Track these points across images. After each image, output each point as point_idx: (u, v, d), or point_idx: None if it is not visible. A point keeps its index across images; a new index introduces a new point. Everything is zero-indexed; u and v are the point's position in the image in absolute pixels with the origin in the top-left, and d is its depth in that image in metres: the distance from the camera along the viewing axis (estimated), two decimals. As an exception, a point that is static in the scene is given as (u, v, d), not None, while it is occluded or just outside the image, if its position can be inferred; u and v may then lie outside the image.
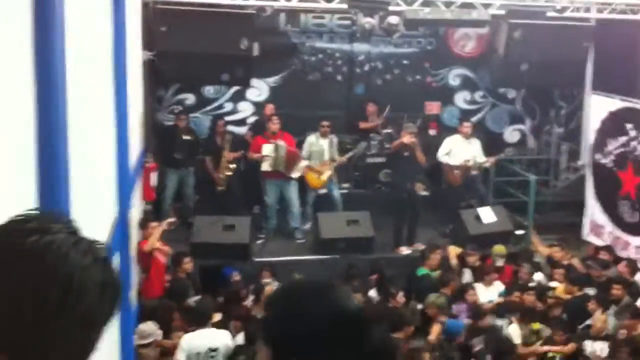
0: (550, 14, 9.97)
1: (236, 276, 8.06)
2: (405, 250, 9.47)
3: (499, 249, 8.93)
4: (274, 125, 9.52)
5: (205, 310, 6.46)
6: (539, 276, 8.55)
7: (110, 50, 5.61)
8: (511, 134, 12.42)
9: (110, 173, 5.56)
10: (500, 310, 7.63)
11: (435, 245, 8.83)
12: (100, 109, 5.06)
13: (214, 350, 6.12)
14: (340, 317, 1.31)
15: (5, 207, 2.36)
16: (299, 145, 9.79)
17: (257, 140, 9.64)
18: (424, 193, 10.24)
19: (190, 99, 11.11)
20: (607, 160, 9.91)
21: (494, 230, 9.51)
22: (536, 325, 7.36)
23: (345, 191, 10.50)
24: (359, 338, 1.30)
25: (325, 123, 9.85)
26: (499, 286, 8.31)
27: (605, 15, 9.99)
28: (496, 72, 11.28)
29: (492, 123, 12.29)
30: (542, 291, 8.00)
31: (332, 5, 9.26)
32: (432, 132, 11.60)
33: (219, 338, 6.22)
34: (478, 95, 12.17)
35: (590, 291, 7.83)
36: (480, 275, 8.35)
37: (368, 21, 10.64)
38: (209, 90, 11.15)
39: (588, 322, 7.26)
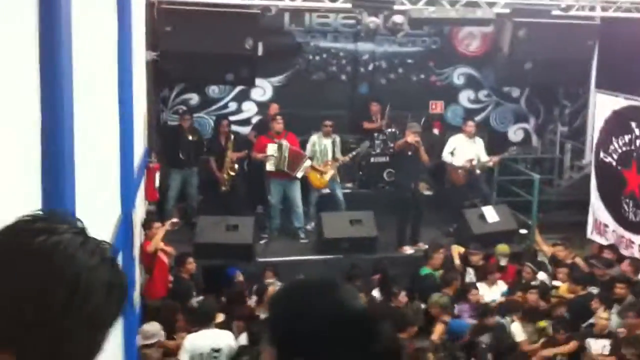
0: (555, 12, 9.96)
1: (239, 276, 8.07)
2: (408, 250, 9.47)
3: (503, 248, 8.93)
4: (278, 125, 9.53)
5: (208, 311, 6.47)
6: (542, 275, 8.54)
7: (115, 51, 5.62)
8: (515, 133, 12.41)
9: (114, 173, 5.58)
10: (502, 309, 7.62)
11: (438, 244, 8.83)
12: (104, 108, 5.08)
13: (217, 350, 6.14)
14: (346, 316, 1.30)
15: (11, 206, 2.37)
16: (303, 145, 9.79)
17: (261, 140, 9.65)
18: (428, 192, 10.24)
19: (194, 99, 11.13)
20: (611, 159, 9.89)
21: (497, 230, 9.49)
22: (542, 324, 7.36)
23: (348, 191, 10.51)
24: (366, 337, 1.29)
25: (327, 122, 9.85)
26: (502, 286, 8.31)
27: (610, 13, 9.96)
28: (501, 70, 11.27)
29: (496, 122, 12.28)
30: (545, 290, 7.99)
31: (337, 4, 9.26)
32: (435, 131, 11.59)
33: (222, 338, 6.24)
34: (482, 94, 12.16)
35: (594, 290, 7.82)
36: (484, 274, 8.35)
37: (372, 20, 10.63)
38: (213, 90, 11.17)
39: (591, 320, 7.25)
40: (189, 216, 9.67)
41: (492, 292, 8.13)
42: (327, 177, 9.78)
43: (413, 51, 11.77)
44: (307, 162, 9.57)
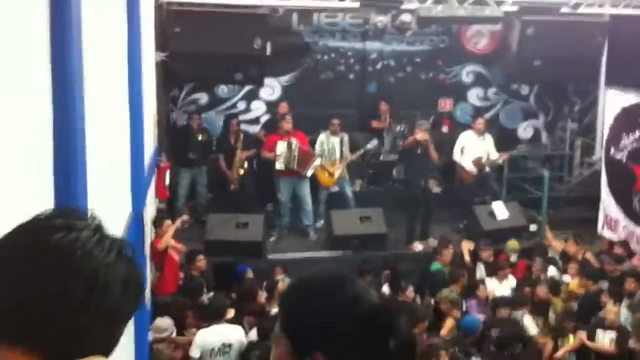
0: (563, 9, 9.93)
1: (250, 273, 8.12)
2: (418, 247, 9.49)
3: (513, 244, 8.94)
4: (287, 123, 9.57)
5: (219, 307, 6.53)
6: (552, 271, 8.54)
7: (125, 51, 5.69)
8: (525, 130, 12.38)
9: (125, 172, 5.64)
10: (511, 302, 7.63)
11: (448, 240, 8.85)
12: (115, 108, 5.14)
13: (228, 345, 6.20)
14: (363, 311, 1.29)
15: (24, 205, 2.43)
16: (311, 144, 9.83)
17: (271, 138, 9.70)
18: (437, 190, 10.24)
19: (203, 98, 11.20)
20: (621, 155, 9.85)
21: (507, 226, 9.51)
22: (557, 303, 7.41)
23: (358, 189, 10.54)
24: (384, 332, 1.28)
25: (335, 121, 9.88)
26: (512, 281, 8.32)
27: (619, 10, 9.92)
28: (509, 68, 11.26)
29: (505, 119, 12.26)
30: (554, 286, 8.00)
31: (345, 4, 9.29)
32: (445, 129, 11.59)
33: (232, 334, 6.30)
34: (491, 92, 12.14)
35: (604, 285, 7.82)
36: (494, 270, 8.36)
37: (380, 19, 10.69)
38: (222, 89, 11.23)
39: (601, 314, 7.26)
40: (199, 214, 9.75)
41: (502, 288, 8.14)
42: (336, 175, 9.81)
43: (421, 50, 11.77)
44: (317, 161, 9.61)
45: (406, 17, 10.29)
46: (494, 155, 10.15)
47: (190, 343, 6.30)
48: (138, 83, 6.10)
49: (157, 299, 7.28)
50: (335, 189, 9.99)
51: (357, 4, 9.19)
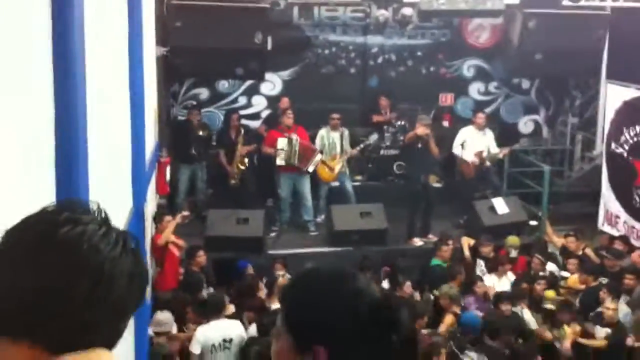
0: (565, 2, 9.91)
1: (250, 269, 8.13)
2: (418, 242, 9.49)
3: (513, 240, 8.93)
4: (288, 119, 9.56)
5: (218, 303, 6.54)
6: (551, 267, 8.54)
7: (126, 46, 5.68)
8: (525, 125, 12.36)
9: (126, 167, 5.64)
10: (509, 297, 7.63)
11: (447, 236, 8.84)
12: (116, 103, 5.14)
13: (229, 341, 6.21)
14: (365, 305, 1.29)
15: (26, 199, 2.43)
16: (311, 139, 9.82)
17: (272, 134, 9.69)
18: (438, 185, 10.25)
19: (204, 93, 11.19)
20: (622, 150, 9.84)
21: (508, 221, 9.50)
22: (550, 294, 7.42)
23: (358, 183, 10.53)
24: (387, 326, 1.28)
25: (335, 116, 9.88)
26: (511, 277, 8.32)
27: (620, 3, 9.90)
28: (511, 62, 11.23)
29: (506, 114, 12.24)
30: (554, 281, 8.01)
31: (345, -3, 9.26)
32: (445, 123, 11.58)
33: (232, 329, 6.31)
34: (492, 86, 12.13)
35: (604, 281, 7.82)
36: (494, 266, 8.36)
37: (382, 13, 10.66)
38: (223, 84, 11.22)
39: (599, 309, 7.27)
40: (199, 210, 9.75)
41: (502, 284, 8.14)
42: (336, 170, 9.81)
43: (422, 43, 11.74)
44: (318, 157, 9.60)
45: (407, 11, 10.27)
46: (495, 150, 10.14)
47: (189, 338, 6.32)
48: (139, 78, 6.09)
49: (157, 295, 7.29)
50: (336, 183, 9.98)
51: (358, -2, 9.17)
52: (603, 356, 6.94)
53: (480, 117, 10.19)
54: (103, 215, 1.15)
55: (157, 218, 7.83)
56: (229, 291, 7.44)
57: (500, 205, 9.65)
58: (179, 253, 7.84)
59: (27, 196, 2.50)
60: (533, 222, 9.97)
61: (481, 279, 8.06)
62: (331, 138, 9.86)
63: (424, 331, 6.86)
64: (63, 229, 1.07)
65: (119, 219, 4.78)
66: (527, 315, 7.40)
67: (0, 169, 2.32)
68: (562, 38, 10.15)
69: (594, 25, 10.62)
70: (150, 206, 7.68)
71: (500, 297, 7.42)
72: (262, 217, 9.11)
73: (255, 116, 11.28)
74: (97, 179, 3.52)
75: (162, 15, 9.31)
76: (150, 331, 6.31)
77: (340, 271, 1.38)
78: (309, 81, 11.30)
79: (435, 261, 8.51)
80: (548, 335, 7.21)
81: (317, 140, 9.84)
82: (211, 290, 7.48)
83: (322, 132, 9.91)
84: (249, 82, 11.13)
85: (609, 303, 6.97)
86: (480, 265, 8.59)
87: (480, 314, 7.40)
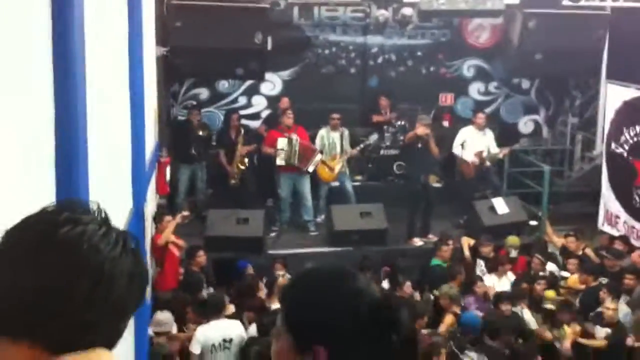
0: (565, 2, 9.91)
1: (250, 269, 8.12)
2: (418, 242, 9.49)
3: (513, 240, 8.93)
4: (288, 119, 9.56)
5: (217, 303, 6.54)
6: (551, 267, 8.54)
7: (126, 46, 5.68)
8: (525, 125, 12.36)
9: (126, 167, 5.64)
10: (509, 297, 7.64)
11: (447, 236, 8.84)
12: (116, 103, 5.14)
13: (229, 341, 6.21)
14: (365, 305, 1.29)
15: (26, 199, 2.43)
16: (311, 139, 9.82)
17: (272, 134, 9.69)
18: (438, 185, 10.25)
19: (204, 93, 11.19)
20: (622, 150, 9.84)
21: (508, 221, 9.50)
22: (550, 294, 7.44)
23: (358, 183, 10.53)
24: (387, 326, 1.29)
25: (335, 115, 9.88)
26: (511, 277, 8.31)
27: (620, 3, 9.90)
28: (511, 62, 11.23)
29: (506, 114, 12.25)
30: (553, 281, 8.01)
31: (345, -3, 9.26)
32: (445, 123, 11.58)
33: (232, 329, 6.31)
34: (492, 86, 12.13)
35: (604, 281, 7.82)
36: (494, 266, 8.36)
37: (382, 13, 10.66)
38: (223, 84, 11.22)
39: (599, 309, 7.27)
40: (199, 210, 9.75)
41: (502, 284, 8.14)
42: (336, 170, 9.81)
43: (422, 43, 11.75)
44: (319, 157, 9.60)
45: (407, 11, 10.27)
46: (495, 150, 10.14)
47: (189, 338, 6.32)
48: (139, 78, 6.09)
49: (157, 295, 7.29)
50: (336, 184, 9.98)
51: (358, -2, 9.17)
52: (603, 356, 6.94)
53: (480, 117, 10.19)
54: (103, 215, 1.15)
55: (157, 218, 7.83)
56: (229, 291, 7.44)
57: (500, 205, 9.65)
58: (179, 253, 7.84)
59: (27, 196, 2.50)
60: (533, 222, 9.97)
61: (481, 279, 8.06)
62: (331, 138, 9.86)
63: (424, 331, 6.87)
64: (63, 229, 1.07)
65: (119, 219, 4.78)
66: (527, 315, 7.40)
67: (0, 169, 2.32)
68: (562, 38, 10.14)
69: (594, 25, 10.62)
70: (150, 206, 7.68)
71: (500, 297, 7.43)
72: (262, 217, 9.11)
73: (255, 116, 11.28)
74: (97, 179, 3.53)
75: (162, 15, 9.31)
76: (150, 331, 6.31)
77: (341, 271, 1.38)
78: (309, 81, 11.30)
79: (435, 261, 8.51)
80: (548, 335, 7.22)
81: (317, 140, 9.84)
82: (211, 290, 7.47)
83: (322, 132, 9.91)
84: (249, 82, 11.13)
85: (609, 303, 6.97)
86: (480, 265, 8.59)
87: (480, 314, 7.40)
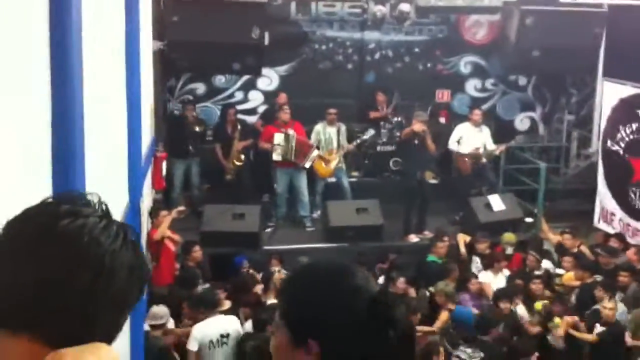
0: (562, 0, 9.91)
1: (246, 265, 8.12)
2: (414, 238, 9.51)
3: (509, 237, 8.95)
4: (285, 114, 9.55)
5: (211, 299, 6.55)
6: (546, 264, 8.57)
7: (123, 41, 5.66)
8: (522, 122, 12.38)
9: (122, 162, 5.64)
10: (503, 293, 7.67)
11: (443, 232, 8.86)
12: (113, 98, 5.13)
13: (226, 336, 6.22)
14: (363, 301, 1.30)
15: (22, 193, 2.42)
16: (308, 134, 9.81)
17: (268, 129, 9.68)
18: (434, 181, 10.25)
19: (200, 88, 11.16)
20: (618, 147, 9.87)
21: (503, 218, 9.52)
22: (538, 305, 7.47)
23: (354, 179, 10.53)
24: (384, 322, 1.29)
25: (332, 110, 9.86)
26: (507, 274, 8.33)
27: (617, 1, 9.91)
28: (508, 59, 11.23)
29: (502, 110, 12.26)
30: (549, 279, 8.04)
31: (343, -7, 9.24)
32: (442, 120, 11.58)
33: (229, 324, 6.33)
34: (489, 82, 12.13)
35: (599, 278, 7.85)
36: (490, 262, 8.38)
37: (379, 9, 10.64)
38: (219, 79, 11.20)
39: (595, 307, 7.30)
40: (195, 205, 9.73)
41: (497, 280, 8.16)
42: (333, 166, 9.80)
43: (420, 40, 11.74)
44: (315, 152, 9.59)
45: (405, 7, 10.25)
46: (491, 147, 10.15)
47: (185, 334, 6.32)
48: (136, 73, 6.07)
49: (153, 290, 7.28)
50: (332, 179, 9.98)
51: (355, -6, 9.15)
52: (601, 353, 6.96)
53: (477, 114, 10.20)
54: (103, 208, 1.15)
55: (153, 213, 7.82)
56: (226, 286, 7.44)
57: (496, 202, 9.67)
58: (175, 248, 7.84)
59: (24, 190, 2.50)
60: (529, 219, 9.99)
61: (475, 276, 8.08)
62: (327, 133, 9.85)
63: (418, 327, 6.89)
64: (63, 221, 1.07)
65: (115, 214, 4.76)
66: (521, 310, 7.42)
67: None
68: (559, 35, 10.14)
69: (592, 23, 10.62)
70: (147, 201, 7.67)
71: (499, 296, 7.45)
72: (258, 212, 9.11)
73: (251, 111, 11.26)
74: (94, 173, 3.52)
75: (159, 10, 9.28)
76: (146, 326, 6.30)
77: (339, 267, 1.38)
78: (306, 77, 11.29)
79: (431, 257, 8.53)
80: (536, 329, 7.24)
81: (313, 136, 9.82)
82: (207, 285, 7.47)
83: (318, 127, 9.89)
84: (245, 77, 11.11)
85: (606, 303, 6.96)
86: (476, 262, 8.61)
87: (476, 310, 7.44)
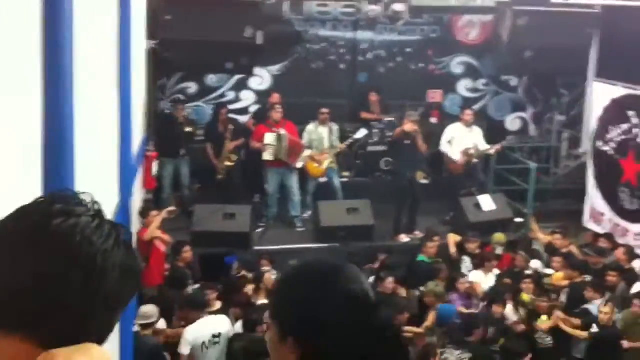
0: (555, 0, 9.95)
1: (237, 265, 8.10)
2: (404, 238, 9.52)
3: (499, 237, 8.99)
4: (277, 114, 9.53)
5: (200, 300, 6.54)
6: (535, 264, 8.61)
7: (115, 39, 5.64)
8: (512, 122, 12.43)
9: (113, 161, 5.61)
10: (495, 297, 7.71)
11: (433, 232, 8.88)
12: (104, 97, 5.11)
13: (217, 335, 6.21)
14: (346, 301, 1.33)
15: (12, 192, 2.41)
16: (301, 134, 9.80)
17: (260, 129, 9.66)
18: (425, 181, 10.27)
19: (192, 87, 11.13)
20: (608, 148, 9.92)
21: (493, 218, 9.56)
22: (526, 297, 7.51)
23: (346, 179, 10.53)
24: (366, 321, 1.32)
25: (324, 110, 9.86)
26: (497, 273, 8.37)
27: (610, 1, 9.96)
28: (500, 59, 11.28)
29: (494, 111, 12.30)
30: (537, 279, 8.08)
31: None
32: (433, 120, 11.61)
33: (220, 323, 6.33)
34: (480, 83, 12.17)
35: (588, 278, 7.89)
36: (481, 262, 8.42)
37: (372, 9, 10.66)
38: (211, 78, 11.17)
39: (586, 306, 7.34)
40: (185, 205, 9.70)
41: (488, 280, 8.19)
42: (325, 166, 9.80)
43: (412, 40, 11.76)
44: (306, 152, 9.59)
45: (398, 7, 10.27)
46: (484, 147, 10.16)
47: (175, 335, 6.31)
48: (128, 71, 6.05)
49: (143, 291, 7.25)
50: (324, 179, 9.98)
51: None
52: (597, 355, 6.99)
53: (468, 114, 10.22)
54: (96, 207, 1.15)
55: (143, 213, 7.78)
56: (217, 287, 7.42)
57: (486, 202, 9.70)
58: (165, 248, 7.80)
59: (14, 190, 2.49)
60: (519, 219, 10.03)
61: (464, 276, 8.11)
62: (319, 133, 9.85)
63: (407, 328, 6.93)
64: (56, 220, 1.07)
65: (105, 213, 4.74)
66: (509, 310, 7.45)
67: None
68: (551, 36, 10.18)
69: (584, 24, 10.67)
70: (137, 200, 7.64)
71: (493, 298, 7.48)
72: (249, 212, 9.09)
73: (243, 111, 11.24)
74: (84, 172, 3.51)
75: (152, 8, 9.24)
76: (136, 327, 6.28)
77: (329, 266, 1.40)
78: (298, 76, 11.28)
79: (421, 257, 8.55)
80: (522, 327, 7.27)
81: (305, 136, 9.81)
82: (197, 286, 7.45)
83: (310, 127, 9.88)
84: (237, 77, 11.09)
85: (602, 307, 6.98)
86: (466, 261, 8.64)
87: (466, 310, 7.47)
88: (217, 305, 6.86)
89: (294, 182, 9.60)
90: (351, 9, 11.26)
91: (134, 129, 6.72)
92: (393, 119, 10.81)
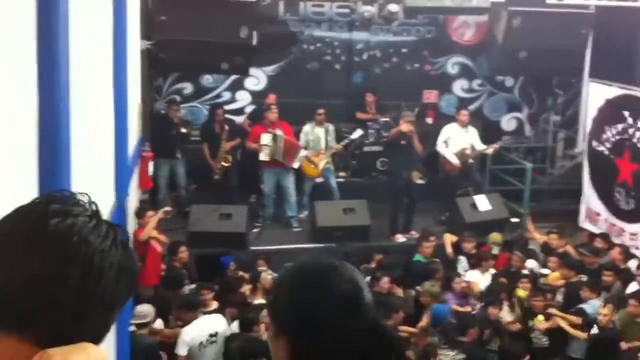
0: (550, 1, 9.97)
1: (233, 265, 8.10)
2: (401, 238, 9.53)
3: (495, 237, 9.00)
4: (273, 114, 9.53)
5: (194, 300, 6.54)
6: (531, 263, 8.62)
7: (110, 40, 5.63)
8: (508, 122, 12.45)
9: (109, 161, 5.60)
10: (492, 299, 7.72)
11: (429, 232, 8.89)
12: (100, 98, 5.10)
13: (214, 335, 6.22)
14: (331, 301, 1.34)
15: (8, 193, 2.41)
16: (296, 134, 9.81)
17: (256, 129, 9.66)
18: (421, 181, 10.28)
19: (188, 88, 11.12)
20: (604, 148, 9.95)
21: (489, 218, 9.58)
22: (522, 293, 7.52)
23: (342, 180, 10.54)
24: (351, 319, 1.32)
25: (320, 111, 9.86)
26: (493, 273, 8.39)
27: (604, 2, 9.99)
28: (495, 60, 11.29)
29: (489, 111, 12.32)
30: (533, 278, 8.10)
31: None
32: (429, 120, 11.63)
33: (216, 322, 6.34)
34: (476, 83, 12.19)
35: (584, 278, 7.91)
36: (477, 262, 8.43)
37: (367, 9, 10.66)
38: (207, 79, 11.16)
39: (581, 305, 7.35)
40: (182, 205, 9.69)
41: (484, 280, 8.21)
42: (321, 166, 9.80)
43: (407, 40, 11.77)
44: (303, 152, 9.59)
45: (393, 7, 10.27)
46: (480, 147, 10.18)
47: (172, 335, 6.30)
48: (123, 72, 6.05)
49: (139, 291, 7.23)
50: (320, 180, 9.98)
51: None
52: (596, 353, 7.01)
53: (464, 115, 10.23)
54: (93, 207, 1.15)
55: (139, 213, 7.76)
56: (213, 287, 7.42)
57: (482, 202, 9.72)
58: (161, 249, 7.79)
59: (10, 190, 2.48)
60: (515, 219, 10.05)
61: (460, 276, 8.12)
62: (315, 134, 9.86)
63: (401, 328, 6.94)
64: (53, 220, 1.07)
65: (101, 214, 4.73)
66: (504, 310, 7.46)
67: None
68: (546, 36, 10.20)
69: (579, 24, 10.69)
70: (133, 201, 7.63)
71: (490, 301, 7.50)
72: (245, 212, 9.08)
73: (239, 111, 11.24)
74: (80, 172, 3.50)
75: (146, 9, 9.23)
76: (132, 327, 6.27)
77: (324, 267, 1.41)
78: (293, 77, 11.28)
79: (418, 257, 8.56)
80: (517, 326, 7.28)
81: (302, 136, 9.82)
82: (193, 286, 7.44)
83: (307, 127, 9.90)
84: (233, 77, 11.08)
85: (601, 309, 6.99)
86: (462, 261, 8.65)
87: (461, 309, 7.48)
88: (214, 305, 6.86)
89: (290, 182, 9.60)
90: (346, 9, 11.27)
91: (130, 130, 6.71)
92: (389, 119, 10.82)
